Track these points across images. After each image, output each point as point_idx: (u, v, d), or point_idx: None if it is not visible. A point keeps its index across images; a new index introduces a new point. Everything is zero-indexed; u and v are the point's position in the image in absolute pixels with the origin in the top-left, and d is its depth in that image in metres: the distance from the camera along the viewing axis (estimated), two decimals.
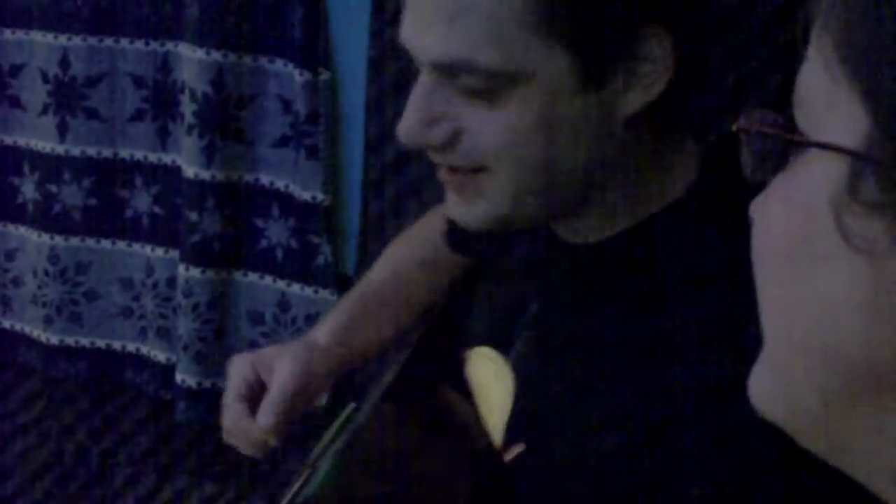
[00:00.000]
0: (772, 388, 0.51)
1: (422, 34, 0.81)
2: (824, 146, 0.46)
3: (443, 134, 0.81)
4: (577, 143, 0.81)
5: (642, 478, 0.78)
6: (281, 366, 1.03)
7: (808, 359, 0.48)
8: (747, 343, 0.75)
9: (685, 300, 0.81)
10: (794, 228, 0.47)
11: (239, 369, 1.05)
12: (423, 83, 0.82)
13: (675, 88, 0.81)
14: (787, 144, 0.48)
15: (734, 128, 0.51)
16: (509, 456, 0.87)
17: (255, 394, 1.04)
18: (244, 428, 1.03)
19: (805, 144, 0.47)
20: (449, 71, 0.80)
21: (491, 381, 0.93)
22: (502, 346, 0.93)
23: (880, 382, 0.45)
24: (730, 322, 0.77)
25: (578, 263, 0.89)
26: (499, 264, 1.01)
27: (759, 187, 0.52)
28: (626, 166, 0.84)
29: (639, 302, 0.83)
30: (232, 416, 1.04)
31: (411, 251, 1.17)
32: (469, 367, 0.98)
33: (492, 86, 0.79)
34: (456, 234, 1.11)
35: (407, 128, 0.82)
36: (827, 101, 0.46)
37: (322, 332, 1.09)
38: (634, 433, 0.79)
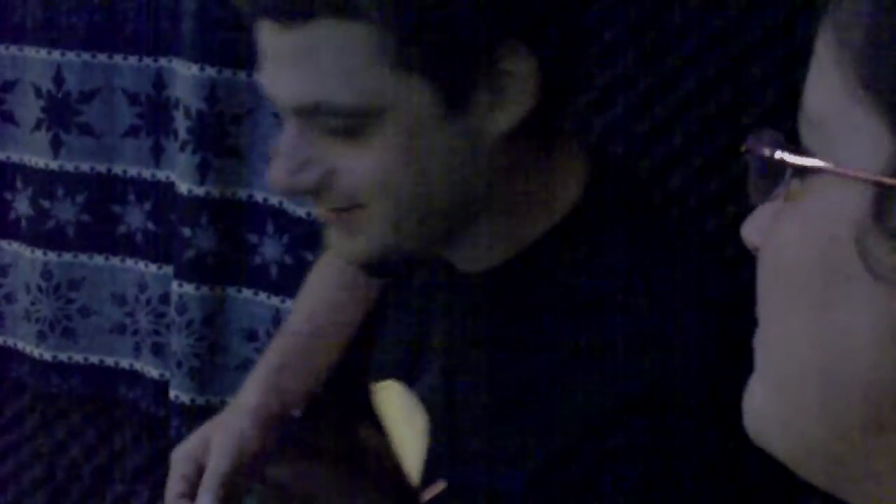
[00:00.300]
0: (776, 417, 0.49)
1: (277, 79, 0.80)
2: (848, 174, 0.44)
3: (314, 178, 0.80)
4: (450, 169, 0.80)
5: None
6: (214, 444, 1.00)
7: (824, 390, 0.46)
8: (650, 360, 0.76)
9: (582, 321, 0.80)
10: (813, 257, 0.45)
11: (176, 465, 1.01)
12: (288, 129, 0.81)
13: (548, 102, 0.80)
14: (803, 169, 0.46)
15: (742, 149, 0.49)
16: (430, 494, 0.85)
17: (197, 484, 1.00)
18: None
19: (828, 172, 0.45)
20: (308, 114, 0.79)
21: (401, 415, 0.92)
22: (409, 379, 0.92)
23: None
24: (630, 339, 0.77)
25: (475, 293, 0.87)
26: (402, 295, 0.99)
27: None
28: (510, 186, 0.82)
29: (536, 327, 0.82)
30: None
31: (330, 280, 1.14)
32: (378, 402, 0.97)
33: (353, 124, 0.78)
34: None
35: (277, 176, 0.81)
36: (845, 122, 0.44)
37: (252, 391, 1.05)
38: (544, 462, 0.78)
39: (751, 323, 0.79)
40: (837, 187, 0.44)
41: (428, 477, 0.86)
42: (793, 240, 0.47)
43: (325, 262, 1.17)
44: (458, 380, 0.87)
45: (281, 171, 0.81)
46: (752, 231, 0.51)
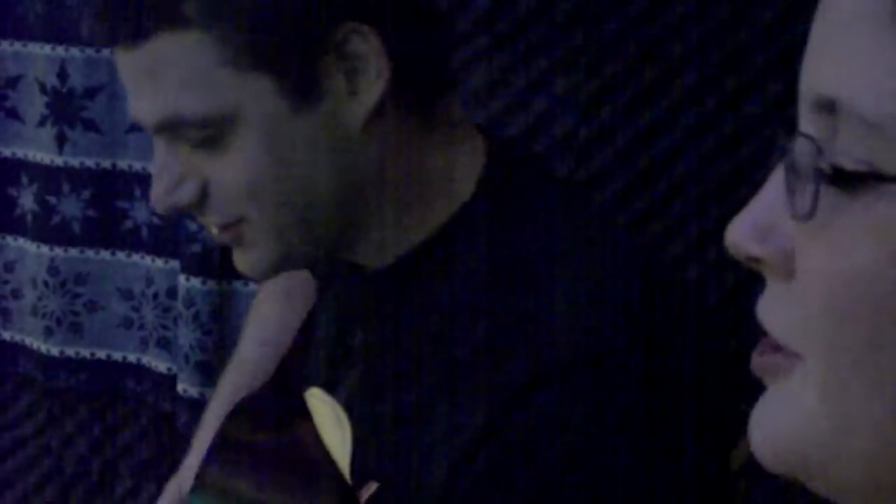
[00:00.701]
0: (823, 451, 0.45)
1: (134, 100, 0.81)
2: None
3: (191, 192, 0.81)
4: (319, 165, 0.79)
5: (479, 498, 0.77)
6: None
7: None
8: (564, 330, 0.76)
9: (492, 300, 0.80)
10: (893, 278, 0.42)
11: None
12: (159, 148, 0.81)
13: (408, 82, 0.79)
14: (856, 180, 0.42)
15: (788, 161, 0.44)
16: (366, 495, 0.84)
17: None
18: None
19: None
20: (167, 130, 0.79)
21: (327, 422, 0.91)
22: (331, 385, 0.92)
23: None
24: (541, 312, 0.78)
25: (381, 287, 0.87)
26: (324, 302, 0.99)
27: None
28: (398, 175, 0.81)
29: (445, 313, 0.82)
30: None
31: (276, 303, 1.14)
32: (309, 409, 0.96)
33: (210, 134, 0.78)
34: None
35: (156, 196, 0.81)
36: None
37: (208, 431, 1.04)
38: (468, 443, 0.77)
39: (667, 292, 0.77)
40: None
41: (359, 478, 0.86)
42: (875, 262, 0.42)
43: (271, 284, 1.16)
44: (377, 378, 0.87)
45: (159, 190, 0.81)
46: (748, 242, 0.46)
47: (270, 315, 1.14)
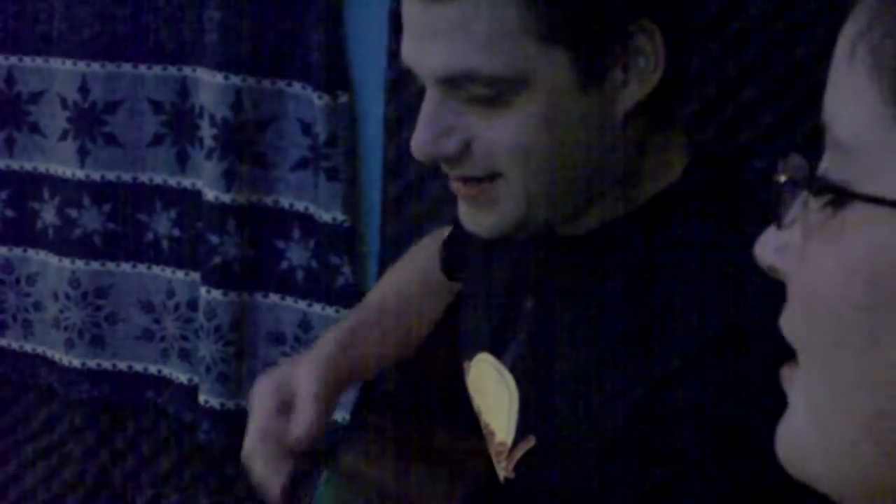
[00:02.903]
0: (820, 455, 0.47)
1: (425, 51, 0.84)
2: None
3: (455, 145, 0.84)
4: (581, 141, 0.84)
5: (642, 460, 0.81)
6: (302, 375, 1.04)
7: (876, 428, 0.44)
8: (723, 322, 0.79)
9: (672, 283, 0.83)
10: (859, 292, 0.43)
11: (262, 398, 1.04)
12: (431, 98, 0.85)
13: (668, 81, 0.84)
14: (840, 200, 0.44)
15: (778, 177, 0.47)
16: (520, 452, 0.89)
17: (281, 422, 1.03)
18: (278, 466, 1.01)
19: (873, 203, 0.42)
20: (454, 82, 0.83)
21: (492, 383, 0.96)
22: (499, 351, 0.96)
23: None
24: (711, 303, 0.81)
25: (569, 253, 0.91)
26: (489, 272, 1.03)
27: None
28: (621, 160, 0.86)
29: (629, 286, 0.86)
30: (264, 451, 1.02)
31: (410, 273, 1.20)
32: (471, 378, 1.01)
33: (497, 92, 0.82)
34: (448, 261, 1.15)
35: (420, 142, 0.85)
36: (887, 150, 0.42)
37: (328, 343, 1.10)
38: (632, 414, 0.81)
39: None
40: (882, 218, 0.42)
41: (520, 435, 0.90)
42: (835, 275, 0.44)
43: (406, 259, 1.23)
44: (551, 340, 0.91)
45: (424, 137, 0.85)
46: (768, 253, 0.49)
47: (411, 275, 1.20)
